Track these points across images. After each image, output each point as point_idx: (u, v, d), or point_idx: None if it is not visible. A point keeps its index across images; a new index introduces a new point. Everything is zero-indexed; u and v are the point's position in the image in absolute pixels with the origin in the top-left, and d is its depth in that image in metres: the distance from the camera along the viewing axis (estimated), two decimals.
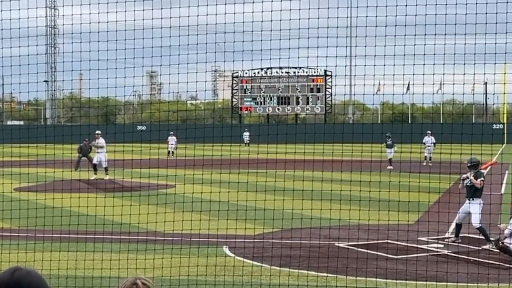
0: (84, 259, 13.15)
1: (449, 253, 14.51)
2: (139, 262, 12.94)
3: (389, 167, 30.93)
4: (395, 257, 13.98)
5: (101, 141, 31.32)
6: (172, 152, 45.37)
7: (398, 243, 15.05)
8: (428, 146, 39.09)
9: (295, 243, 15.02)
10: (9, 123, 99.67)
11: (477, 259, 13.90)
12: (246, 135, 64.47)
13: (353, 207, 15.53)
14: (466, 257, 14.11)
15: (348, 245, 15.19)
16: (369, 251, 14.46)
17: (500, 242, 14.10)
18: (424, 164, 34.77)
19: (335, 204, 15.71)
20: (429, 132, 38.87)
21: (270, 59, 15.49)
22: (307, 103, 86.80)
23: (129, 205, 15.27)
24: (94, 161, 31.72)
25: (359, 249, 14.72)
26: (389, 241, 15.29)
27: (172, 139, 46.65)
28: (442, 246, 15.22)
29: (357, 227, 16.26)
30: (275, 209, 16.46)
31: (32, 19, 14.35)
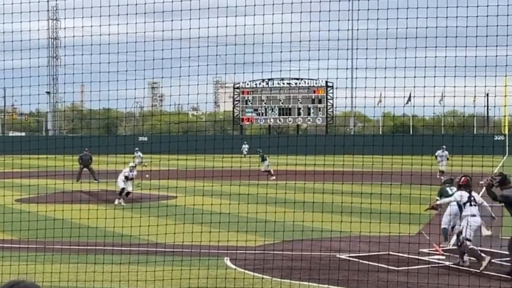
0: (85, 271, 13.13)
1: (450, 265, 14.48)
2: (140, 274, 12.92)
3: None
4: (397, 268, 13.96)
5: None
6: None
7: (400, 254, 15.02)
8: (440, 160, 39.15)
9: (296, 254, 14.99)
10: (10, 134, 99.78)
11: (478, 271, 13.86)
12: (245, 147, 64.26)
13: (354, 219, 15.51)
14: (468, 269, 14.07)
15: (349, 256, 15.17)
16: (370, 263, 14.44)
17: (466, 248, 14.31)
18: (437, 176, 34.97)
19: (336, 216, 15.68)
20: (443, 147, 38.92)
21: (272, 71, 15.59)
22: (309, 114, 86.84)
23: (130, 216, 15.28)
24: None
25: (361, 261, 14.70)
26: (390, 252, 15.27)
27: (138, 156, 44.94)
28: (443, 258, 15.19)
29: (358, 239, 16.24)
30: (276, 220, 16.46)
31: (34, 31, 14.44)
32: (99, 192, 28.70)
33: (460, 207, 14.98)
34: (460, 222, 14.87)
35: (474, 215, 14.66)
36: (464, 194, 14.91)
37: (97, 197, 26.45)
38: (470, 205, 14.74)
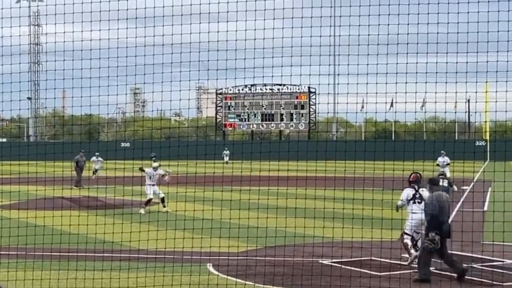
0: (66, 277, 13.03)
1: (433, 270, 14.53)
2: (122, 281, 12.85)
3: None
4: (379, 274, 13.99)
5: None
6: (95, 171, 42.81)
7: (382, 260, 15.06)
8: (443, 167, 38.50)
9: (279, 260, 15.00)
10: None
11: (449, 274, 13.93)
12: (225, 153, 63.89)
13: (336, 224, 15.55)
14: (450, 274, 14.14)
15: (331, 262, 15.19)
16: (352, 268, 14.47)
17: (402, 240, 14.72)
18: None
19: (318, 221, 15.73)
20: (443, 152, 37.70)
21: (254, 77, 15.58)
22: (291, 120, 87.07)
23: (111, 223, 15.22)
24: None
25: (343, 266, 14.73)
26: (372, 258, 15.31)
27: (98, 161, 43.88)
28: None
29: (340, 244, 16.26)
30: (259, 226, 16.45)
31: (15, 36, 14.37)
32: (80, 199, 28.54)
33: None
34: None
35: (415, 212, 15.00)
36: (410, 192, 15.26)
37: (78, 203, 26.29)
38: (414, 202, 15.09)
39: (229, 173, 16.81)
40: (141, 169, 23.24)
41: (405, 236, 15.03)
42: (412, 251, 14.80)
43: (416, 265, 13.99)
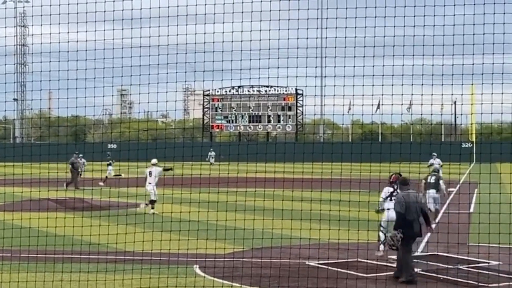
0: (52, 279, 12.97)
1: (418, 271, 14.59)
2: (108, 283, 12.81)
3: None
4: (366, 275, 14.02)
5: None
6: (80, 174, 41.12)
7: (369, 261, 15.09)
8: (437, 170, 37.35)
9: (266, 262, 15.00)
10: None
11: (446, 277, 13.99)
12: (211, 154, 63.34)
13: (323, 226, 15.57)
14: (435, 275, 14.20)
15: (318, 263, 15.21)
16: (339, 270, 14.49)
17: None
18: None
19: (305, 223, 15.74)
20: (434, 154, 37.23)
21: (241, 79, 15.58)
22: (279, 122, 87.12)
23: (98, 224, 15.15)
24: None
25: (329, 268, 14.75)
26: (359, 259, 15.34)
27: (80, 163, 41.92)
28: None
29: (327, 246, 16.29)
30: (246, 228, 16.44)
31: (1, 37, 14.31)
32: (66, 200, 28.43)
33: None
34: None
35: (389, 209, 15.56)
36: (388, 190, 15.96)
37: (64, 205, 26.18)
38: (390, 199, 15.64)
39: (215, 175, 16.79)
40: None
41: (381, 228, 15.84)
42: (381, 246, 15.43)
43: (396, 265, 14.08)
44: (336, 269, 14.60)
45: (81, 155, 40.92)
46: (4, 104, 16.29)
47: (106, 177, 39.22)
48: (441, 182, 23.23)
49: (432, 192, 22.89)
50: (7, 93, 15.48)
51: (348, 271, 14.35)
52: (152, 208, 23.82)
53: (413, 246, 14.07)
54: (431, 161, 38.18)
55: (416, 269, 14.25)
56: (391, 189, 15.94)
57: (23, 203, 18.72)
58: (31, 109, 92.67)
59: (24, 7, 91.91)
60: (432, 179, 23.10)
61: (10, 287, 12.51)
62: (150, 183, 24.26)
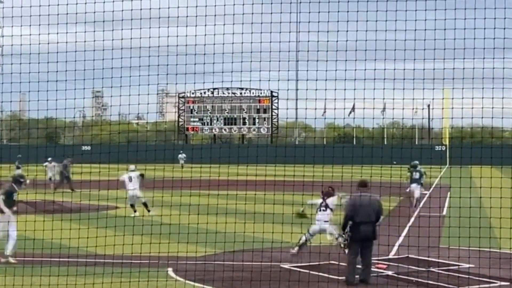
0: (21, 284, 12.82)
1: (392, 274, 14.67)
2: (78, 286, 12.70)
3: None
4: (338, 278, 14.06)
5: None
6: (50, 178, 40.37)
7: (341, 264, 15.12)
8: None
9: (238, 264, 14.98)
10: None
11: (419, 280, 14.07)
12: (181, 157, 62.88)
13: (295, 229, 15.58)
14: (408, 277, 14.28)
15: (291, 266, 15.22)
16: (311, 273, 14.51)
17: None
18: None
19: (277, 226, 15.74)
20: (416, 162, 37.40)
21: (213, 82, 15.57)
22: (254, 124, 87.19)
23: (68, 228, 15.03)
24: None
25: (302, 271, 14.76)
26: (331, 262, 15.38)
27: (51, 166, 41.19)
28: (385, 266, 15.36)
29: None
30: (218, 231, 16.42)
31: None
32: (37, 202, 28.12)
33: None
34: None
35: (317, 220, 16.48)
36: (318, 201, 16.75)
37: (35, 207, 25.88)
38: (320, 210, 16.55)
39: (188, 177, 16.74)
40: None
41: (307, 234, 16.50)
42: (296, 248, 16.34)
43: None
44: (308, 271, 14.62)
45: (50, 158, 39.95)
46: None
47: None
48: (423, 176, 29.02)
49: (414, 185, 28.31)
50: None
51: (320, 274, 14.38)
52: (135, 211, 23.84)
53: (371, 249, 14.04)
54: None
55: (390, 272, 14.31)
56: (321, 200, 16.68)
57: None
58: (1, 111, 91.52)
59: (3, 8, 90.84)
60: (416, 175, 28.44)
61: None
62: (135, 188, 24.30)
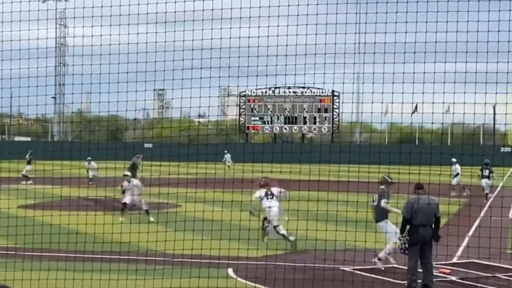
0: (82, 278, 12.78)
1: (456, 279, 14.14)
2: (138, 283, 12.60)
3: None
4: (402, 282, 13.61)
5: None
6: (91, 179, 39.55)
7: (405, 267, 14.63)
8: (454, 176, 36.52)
9: (299, 266, 14.66)
10: (16, 139, 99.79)
11: (484, 286, 13.51)
12: (227, 157, 59.07)
13: (359, 230, 15.14)
14: (473, 283, 13.72)
15: (353, 269, 14.82)
16: (375, 276, 14.10)
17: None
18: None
19: (341, 226, 15.33)
20: (454, 160, 36.27)
21: (275, 84, 15.37)
22: (314, 123, 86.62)
23: (128, 223, 14.98)
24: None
25: (365, 274, 14.36)
26: (395, 265, 14.92)
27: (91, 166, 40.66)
28: (448, 271, 14.82)
29: (363, 251, 15.82)
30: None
31: (43, 37, 14.36)
32: (100, 200, 28.37)
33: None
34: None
35: (270, 207, 17.86)
36: (262, 191, 18.08)
37: (95, 204, 26.09)
38: (267, 199, 17.95)
39: (249, 176, 16.52)
40: None
41: (266, 224, 18.06)
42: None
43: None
44: (371, 275, 14.22)
45: (89, 158, 39.33)
46: (43, 102, 16.23)
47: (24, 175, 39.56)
48: (493, 174, 33.62)
49: (484, 181, 33.12)
50: (47, 92, 15.49)
51: (384, 278, 13.96)
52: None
53: (431, 252, 13.53)
54: (455, 167, 37.08)
55: (454, 278, 13.81)
56: (264, 190, 18.08)
57: (62, 201, 18.75)
58: (71, 108, 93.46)
59: (65, 8, 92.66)
60: (486, 172, 33.02)
61: (39, 285, 12.39)
62: (140, 194, 23.77)
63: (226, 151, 60.22)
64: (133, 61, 13.89)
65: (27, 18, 13.91)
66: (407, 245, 13.29)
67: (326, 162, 17.41)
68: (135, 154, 37.02)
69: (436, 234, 13.35)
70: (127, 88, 14.11)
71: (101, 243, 14.68)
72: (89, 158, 39.60)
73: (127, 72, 13.89)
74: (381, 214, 15.39)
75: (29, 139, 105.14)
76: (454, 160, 36.20)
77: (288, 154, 17.14)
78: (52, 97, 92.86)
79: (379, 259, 15.14)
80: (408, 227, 13.29)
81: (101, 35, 13.95)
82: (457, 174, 36.13)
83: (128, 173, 24.28)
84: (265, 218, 18.04)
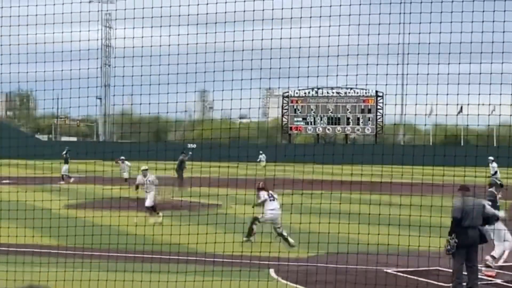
0: (123, 279, 12.82)
1: (501, 283, 13.80)
2: (178, 285, 12.57)
3: None
4: (446, 285, 13.34)
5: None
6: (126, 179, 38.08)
7: (449, 270, 14.34)
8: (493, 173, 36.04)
9: (341, 267, 14.48)
10: (63, 139, 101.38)
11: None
12: (261, 157, 59.12)
13: (402, 232, 14.89)
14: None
15: (396, 271, 14.58)
16: (418, 278, 13.84)
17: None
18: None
19: (383, 228, 15.09)
20: (491, 158, 36.04)
21: (317, 83, 15.25)
22: (358, 124, 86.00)
23: (169, 224, 14.98)
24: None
25: (408, 276, 14.11)
26: (439, 268, 14.63)
27: (124, 165, 39.60)
28: (494, 274, 14.47)
29: (406, 253, 15.56)
30: (320, 232, 15.95)
31: (93, 38, 14.51)
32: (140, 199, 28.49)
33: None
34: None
35: (273, 209, 17.87)
36: (264, 194, 18.14)
37: (137, 204, 26.26)
38: (270, 201, 18.06)
39: (289, 176, 16.39)
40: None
41: (256, 222, 17.83)
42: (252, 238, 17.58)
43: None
44: (415, 277, 13.96)
45: (122, 157, 39.21)
46: (88, 102, 16.39)
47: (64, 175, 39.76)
48: None
49: None
50: (92, 93, 15.65)
51: (428, 280, 13.70)
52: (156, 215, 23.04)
53: (477, 254, 13.24)
54: (492, 165, 36.22)
55: (500, 281, 13.47)
56: (266, 192, 18.08)
57: (104, 201, 18.86)
58: (114, 106, 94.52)
59: (108, 10, 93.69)
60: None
61: (81, 286, 12.46)
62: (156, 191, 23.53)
63: (261, 152, 59.79)
64: (174, 62, 13.93)
65: (73, 19, 14.06)
66: (454, 247, 13.01)
67: (368, 163, 17.19)
68: (182, 152, 37.07)
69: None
70: (170, 89, 14.19)
71: (142, 244, 14.71)
72: (123, 157, 39.73)
73: (168, 74, 13.95)
74: (492, 218, 15.05)
75: (75, 139, 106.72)
76: (491, 158, 35.33)
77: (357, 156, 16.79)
78: (97, 98, 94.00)
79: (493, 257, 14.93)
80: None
81: (142, 37, 13.99)
82: (495, 172, 35.28)
83: (146, 167, 23.96)
84: (256, 218, 17.94)
